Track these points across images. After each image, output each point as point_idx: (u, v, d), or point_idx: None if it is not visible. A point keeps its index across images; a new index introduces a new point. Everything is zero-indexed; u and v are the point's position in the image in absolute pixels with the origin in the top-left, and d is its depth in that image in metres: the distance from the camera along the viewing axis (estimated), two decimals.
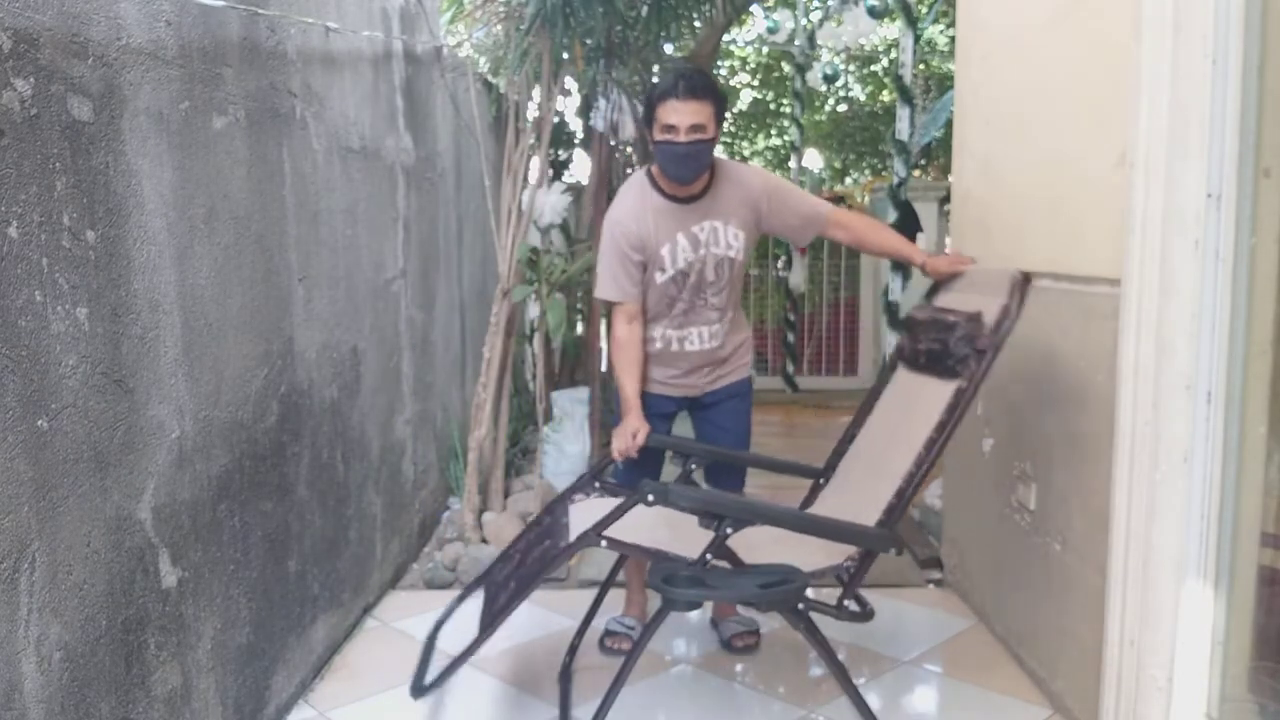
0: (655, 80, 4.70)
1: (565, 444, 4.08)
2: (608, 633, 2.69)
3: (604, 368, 4.57)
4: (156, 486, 1.72)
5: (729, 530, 1.85)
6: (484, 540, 3.38)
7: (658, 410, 2.62)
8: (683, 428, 2.73)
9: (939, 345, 2.15)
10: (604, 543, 1.92)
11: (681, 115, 2.29)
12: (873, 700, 2.46)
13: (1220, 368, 1.79)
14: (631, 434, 2.39)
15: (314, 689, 2.45)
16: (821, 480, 2.45)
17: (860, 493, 2.22)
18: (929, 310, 2.29)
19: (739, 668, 2.60)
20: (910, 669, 2.59)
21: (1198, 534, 1.83)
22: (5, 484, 1.34)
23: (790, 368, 6.88)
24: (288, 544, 2.30)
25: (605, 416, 4.16)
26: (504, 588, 2.07)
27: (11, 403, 1.35)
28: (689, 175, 2.38)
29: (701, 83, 2.33)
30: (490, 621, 1.96)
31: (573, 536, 2.04)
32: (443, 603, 3.01)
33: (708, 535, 1.88)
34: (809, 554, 2.01)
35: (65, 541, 1.47)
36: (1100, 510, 2.04)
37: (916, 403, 2.19)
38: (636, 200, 2.45)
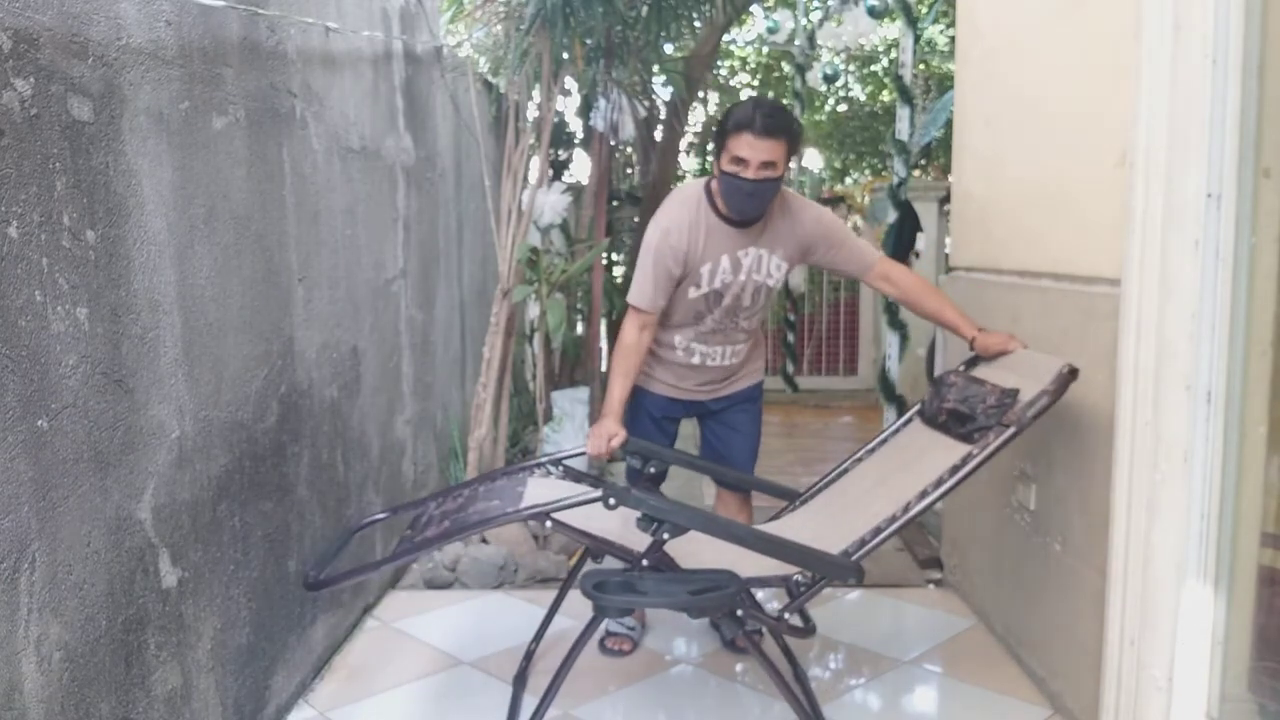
0: (655, 79, 4.71)
1: (565, 444, 4.08)
2: (609, 633, 2.69)
3: (604, 367, 4.58)
4: (156, 486, 1.72)
5: (666, 535, 1.84)
6: (484, 540, 3.38)
7: (666, 413, 2.63)
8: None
9: (966, 409, 2.15)
10: (549, 524, 1.89)
11: (755, 151, 2.21)
12: (873, 700, 2.46)
13: (1220, 368, 1.79)
14: (608, 438, 2.35)
15: (314, 689, 2.45)
16: (797, 503, 2.44)
17: (831, 520, 2.21)
18: (964, 376, 2.29)
19: (739, 668, 2.60)
20: (910, 669, 2.59)
21: (1198, 534, 1.83)
22: (5, 484, 1.34)
23: (790, 368, 6.88)
24: (288, 544, 2.30)
25: None
26: (436, 523, 2.03)
27: (11, 403, 1.35)
28: (752, 211, 2.34)
29: (780, 121, 2.24)
30: (408, 550, 1.94)
31: (522, 505, 2.01)
32: (443, 603, 3.03)
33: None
34: (760, 560, 1.99)
35: (65, 541, 1.47)
36: (1100, 510, 2.04)
37: (921, 456, 2.18)
38: (691, 213, 2.38)
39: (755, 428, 2.69)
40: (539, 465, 2.40)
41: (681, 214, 2.39)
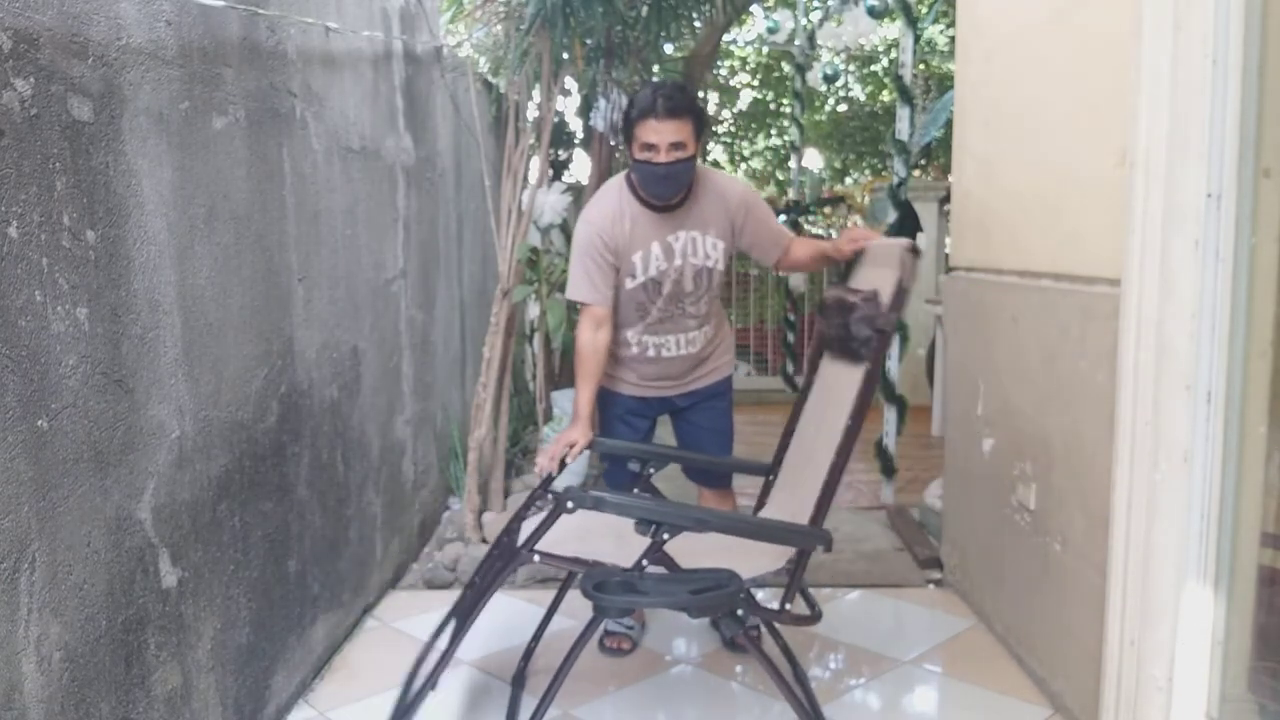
0: (655, 79, 4.70)
1: None
2: (607, 632, 2.69)
3: None
4: (156, 486, 1.72)
5: (666, 536, 1.84)
6: (484, 540, 3.38)
7: (635, 412, 2.62)
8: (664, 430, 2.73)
9: (843, 330, 2.15)
10: (536, 557, 1.89)
11: (661, 134, 2.26)
12: (872, 700, 2.46)
13: (1220, 368, 1.79)
14: (566, 446, 2.33)
15: (314, 689, 2.45)
16: (771, 477, 2.43)
17: (798, 489, 2.21)
18: (836, 292, 2.27)
19: (739, 668, 2.60)
20: (910, 669, 2.59)
21: (1198, 534, 1.83)
22: (5, 484, 1.34)
23: (790, 368, 6.88)
24: (288, 544, 2.30)
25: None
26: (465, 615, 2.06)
27: (11, 403, 1.35)
28: (669, 194, 2.37)
29: (681, 101, 2.29)
30: (450, 648, 1.96)
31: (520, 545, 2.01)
32: (443, 603, 3.02)
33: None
34: (756, 558, 1.99)
35: (65, 541, 1.47)
36: (1100, 510, 2.04)
37: (837, 387, 2.18)
38: (614, 203, 2.42)
39: (725, 423, 2.69)
40: (527, 508, 2.39)
41: (604, 204, 2.44)
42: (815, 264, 2.69)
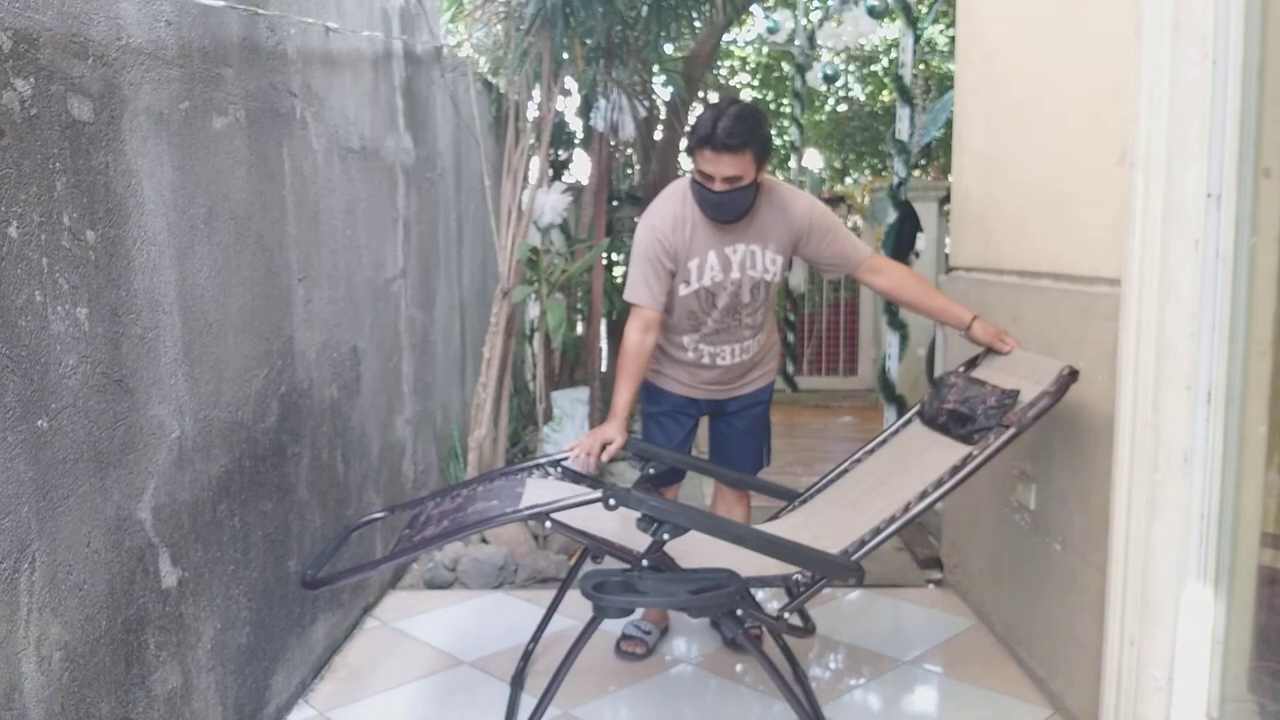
0: (655, 79, 4.71)
1: (565, 444, 4.07)
2: (624, 636, 2.68)
3: (605, 367, 4.58)
4: (156, 486, 1.72)
5: (665, 536, 1.84)
6: (484, 540, 3.38)
7: (682, 410, 2.63)
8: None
9: (966, 410, 2.15)
10: (549, 524, 1.88)
11: (717, 166, 2.21)
12: (873, 700, 2.46)
13: (1220, 368, 1.79)
14: (602, 444, 2.31)
15: (314, 689, 2.45)
16: (796, 503, 2.43)
17: (831, 520, 2.21)
18: (964, 377, 2.29)
19: (739, 668, 2.60)
20: (910, 669, 2.59)
21: (1198, 534, 1.83)
22: (5, 484, 1.34)
23: (790, 368, 6.88)
24: (288, 544, 2.30)
25: (605, 417, 4.16)
26: (435, 522, 2.02)
27: (11, 403, 1.35)
28: (724, 218, 2.34)
29: (740, 134, 2.19)
30: (407, 549, 1.93)
31: (521, 505, 2.00)
32: (443, 603, 3.03)
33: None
34: (760, 560, 1.99)
35: (65, 541, 1.47)
36: (1100, 510, 2.04)
37: (921, 457, 2.18)
38: (678, 208, 2.39)
39: (762, 426, 2.70)
40: (537, 466, 2.40)
41: (668, 207, 2.41)
42: (923, 310, 2.50)
